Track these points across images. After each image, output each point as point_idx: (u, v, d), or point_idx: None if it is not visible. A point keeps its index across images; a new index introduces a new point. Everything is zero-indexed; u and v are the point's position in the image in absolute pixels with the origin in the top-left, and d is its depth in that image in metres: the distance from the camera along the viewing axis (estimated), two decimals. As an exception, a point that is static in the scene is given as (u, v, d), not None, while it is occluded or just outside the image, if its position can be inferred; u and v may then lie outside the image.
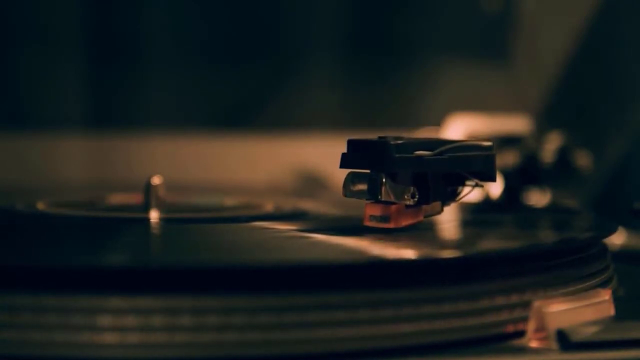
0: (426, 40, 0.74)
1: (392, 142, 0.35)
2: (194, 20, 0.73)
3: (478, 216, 0.47)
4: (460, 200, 0.39)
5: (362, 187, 0.36)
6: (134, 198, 0.47)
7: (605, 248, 0.39)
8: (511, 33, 0.75)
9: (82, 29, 0.70)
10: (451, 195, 0.38)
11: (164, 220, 0.42)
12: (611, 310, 0.33)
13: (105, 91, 0.71)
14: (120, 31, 0.71)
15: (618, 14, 0.69)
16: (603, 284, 0.36)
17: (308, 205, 0.48)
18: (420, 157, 0.36)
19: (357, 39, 0.74)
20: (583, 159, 0.58)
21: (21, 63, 0.70)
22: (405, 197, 0.36)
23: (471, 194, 0.38)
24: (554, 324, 0.31)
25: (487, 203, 0.54)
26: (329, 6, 0.73)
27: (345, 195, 0.37)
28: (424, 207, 0.37)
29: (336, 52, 0.74)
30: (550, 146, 0.58)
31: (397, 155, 0.35)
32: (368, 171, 0.36)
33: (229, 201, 0.50)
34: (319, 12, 0.73)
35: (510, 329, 0.31)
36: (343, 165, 0.36)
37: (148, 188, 0.43)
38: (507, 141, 0.59)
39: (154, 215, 0.43)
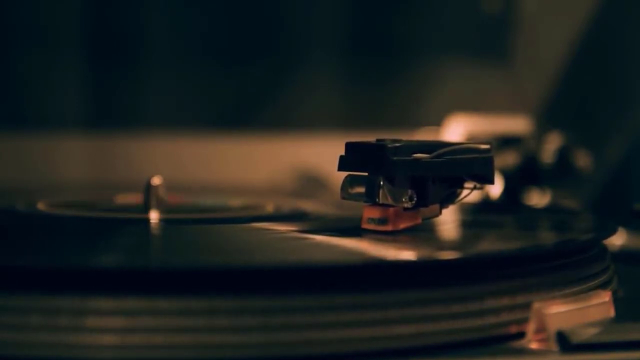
0: (426, 40, 0.74)
1: (389, 145, 0.35)
2: (194, 20, 0.73)
3: (478, 217, 0.47)
4: (459, 202, 0.39)
5: (360, 189, 0.36)
6: (137, 198, 0.47)
7: (605, 249, 0.39)
8: (511, 33, 0.75)
9: (82, 30, 0.70)
10: (449, 198, 0.38)
11: (163, 221, 0.42)
12: (611, 312, 0.33)
13: (105, 91, 0.71)
14: (120, 31, 0.71)
15: (618, 15, 0.69)
16: (603, 285, 0.36)
17: (308, 205, 0.48)
18: (418, 160, 0.36)
19: (358, 39, 0.74)
20: (583, 159, 0.58)
21: (21, 63, 0.70)
22: (403, 199, 0.36)
23: (471, 194, 0.38)
24: (554, 325, 0.31)
25: (486, 203, 0.54)
26: (329, 6, 0.73)
27: (343, 198, 0.37)
28: (422, 209, 0.37)
29: (336, 52, 0.74)
30: (550, 146, 0.58)
31: (394, 159, 0.35)
32: (366, 174, 0.36)
33: (229, 202, 0.50)
34: (319, 12, 0.73)
35: (510, 330, 0.31)
36: (341, 168, 0.36)
37: (148, 188, 0.43)
38: (507, 141, 0.59)
39: (153, 216, 0.43)
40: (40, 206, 0.47)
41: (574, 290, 0.34)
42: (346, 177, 0.37)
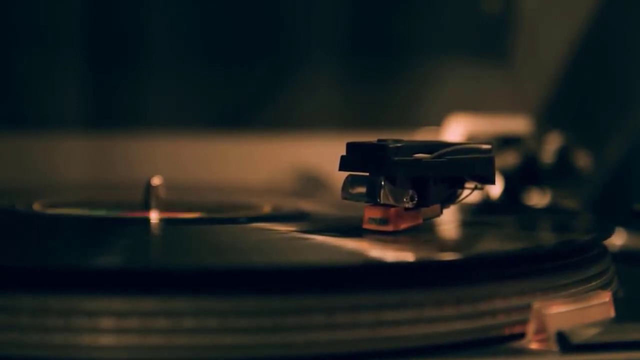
0: (426, 40, 0.74)
1: (391, 146, 0.35)
2: (194, 20, 0.73)
3: (478, 217, 0.47)
4: (460, 202, 0.39)
5: (361, 189, 0.36)
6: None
7: (605, 249, 0.39)
8: (511, 33, 0.75)
9: (82, 30, 0.70)
10: (450, 198, 0.38)
11: (163, 221, 0.42)
12: (611, 312, 0.33)
13: (105, 91, 0.71)
14: (120, 31, 0.71)
15: (618, 15, 0.69)
16: (603, 286, 0.36)
17: (308, 205, 0.48)
18: (419, 160, 0.36)
19: (358, 39, 0.74)
20: (583, 159, 0.58)
21: (21, 63, 0.70)
22: (405, 200, 0.36)
23: (471, 194, 0.38)
24: (554, 326, 0.31)
25: (487, 204, 0.54)
26: (329, 6, 0.73)
27: (344, 198, 0.37)
28: (423, 209, 0.37)
29: (336, 52, 0.74)
30: (550, 146, 0.58)
31: (396, 159, 0.35)
32: (367, 174, 0.36)
33: (229, 202, 0.50)
34: (319, 12, 0.73)
35: (511, 330, 0.31)
36: (342, 168, 0.36)
37: (148, 188, 0.43)
38: (507, 141, 0.59)
39: (153, 216, 0.43)
40: (40, 206, 0.47)
41: (574, 290, 0.34)
42: (347, 177, 0.37)
